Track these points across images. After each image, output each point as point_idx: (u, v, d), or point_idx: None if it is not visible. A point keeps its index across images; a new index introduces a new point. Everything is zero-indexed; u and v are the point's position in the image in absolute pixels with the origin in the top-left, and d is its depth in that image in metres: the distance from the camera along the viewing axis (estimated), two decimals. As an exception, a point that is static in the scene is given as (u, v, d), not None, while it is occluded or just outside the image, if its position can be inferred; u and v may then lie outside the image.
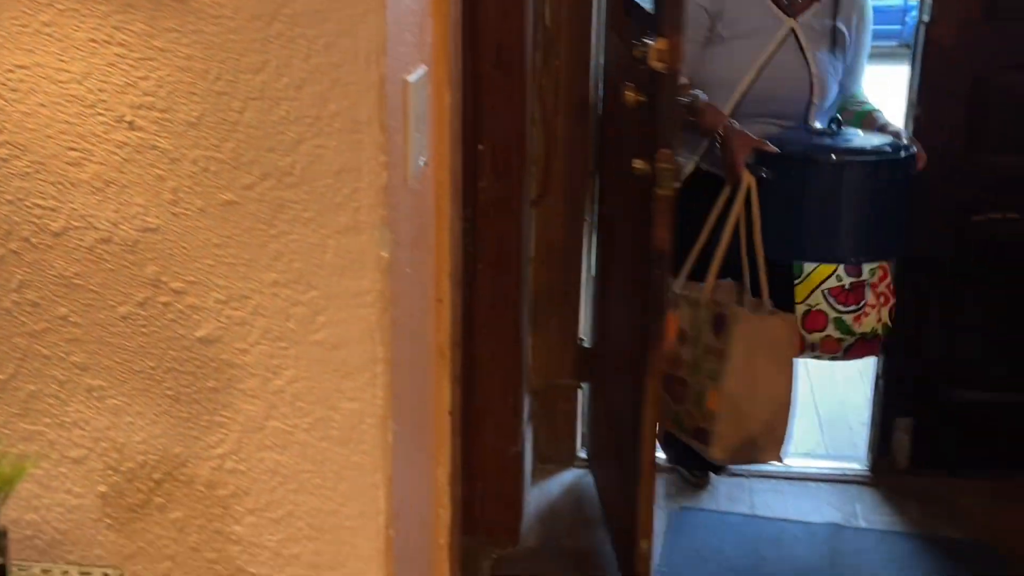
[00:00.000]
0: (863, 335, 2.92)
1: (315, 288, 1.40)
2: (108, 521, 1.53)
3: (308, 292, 1.41)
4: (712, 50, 2.80)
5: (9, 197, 1.40)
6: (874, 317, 2.91)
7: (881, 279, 2.93)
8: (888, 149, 2.66)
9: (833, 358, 2.98)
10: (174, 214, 1.39)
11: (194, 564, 1.53)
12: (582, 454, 3.21)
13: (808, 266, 2.91)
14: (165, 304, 1.43)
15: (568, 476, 3.14)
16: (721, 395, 2.69)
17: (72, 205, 1.40)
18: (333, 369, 1.43)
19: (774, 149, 2.65)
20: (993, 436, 3.15)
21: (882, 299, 2.92)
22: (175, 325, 1.43)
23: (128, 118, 1.36)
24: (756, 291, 2.76)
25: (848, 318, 2.90)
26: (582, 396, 3.20)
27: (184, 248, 1.40)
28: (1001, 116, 2.99)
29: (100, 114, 1.36)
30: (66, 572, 1.49)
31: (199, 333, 1.43)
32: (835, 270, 2.92)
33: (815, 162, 2.62)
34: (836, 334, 2.91)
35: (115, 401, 1.47)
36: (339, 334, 1.42)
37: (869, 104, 2.96)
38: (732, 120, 2.73)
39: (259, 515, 1.51)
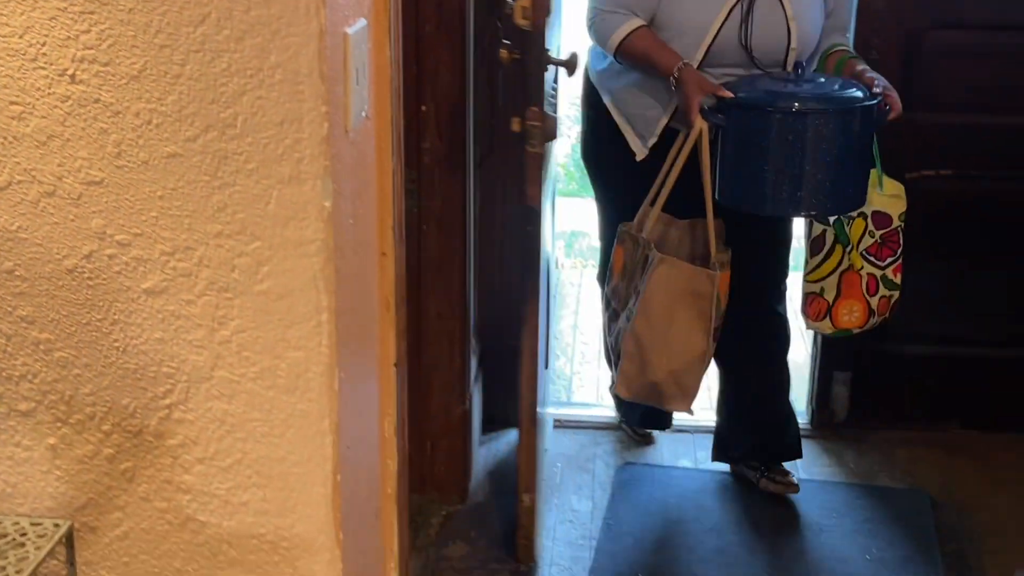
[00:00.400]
0: (901, 287, 2.80)
1: (259, 239, 1.43)
2: (58, 473, 1.55)
3: (252, 243, 1.43)
4: None
5: (-48, 151, 1.41)
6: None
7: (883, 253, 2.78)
8: (851, 97, 2.53)
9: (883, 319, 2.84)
10: (118, 167, 1.41)
11: (144, 514, 1.56)
12: (530, 413, 3.27)
13: (845, 228, 2.76)
14: (111, 257, 1.44)
15: (515, 435, 3.19)
16: (631, 335, 2.65)
17: (15, 159, 1.41)
18: (278, 318, 1.46)
19: (728, 94, 2.54)
20: (929, 389, 3.23)
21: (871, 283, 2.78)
22: (121, 277, 1.45)
23: (70, 71, 1.37)
24: (730, 241, 2.68)
25: (889, 272, 2.78)
26: (529, 356, 3.24)
27: (128, 201, 1.42)
28: (933, 74, 3.05)
29: (42, 68, 1.37)
30: (16, 523, 1.51)
31: (145, 285, 1.45)
32: (866, 227, 2.76)
33: (774, 110, 2.49)
34: (886, 292, 2.79)
35: (62, 354, 1.49)
36: (284, 284, 1.45)
37: (851, 51, 2.80)
38: (688, 63, 2.62)
39: (208, 464, 1.53)
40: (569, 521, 2.86)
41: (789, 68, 2.67)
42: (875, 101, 2.53)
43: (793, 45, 2.68)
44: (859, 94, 2.54)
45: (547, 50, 2.37)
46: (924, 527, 2.79)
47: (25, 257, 1.45)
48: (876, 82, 2.60)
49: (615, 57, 2.70)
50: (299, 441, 1.51)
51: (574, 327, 4.06)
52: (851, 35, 2.90)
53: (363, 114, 1.53)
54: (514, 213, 2.82)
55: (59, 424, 1.52)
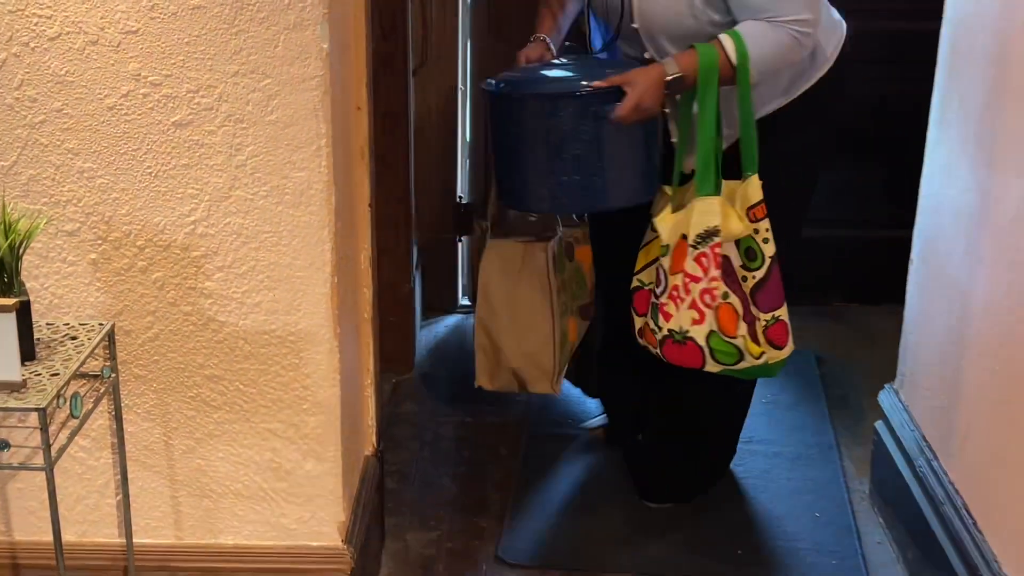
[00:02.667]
0: (671, 333, 2.32)
1: (269, 76, 1.75)
2: (98, 284, 1.85)
3: (263, 80, 1.75)
4: None
5: (10, 8, 1.70)
6: (687, 316, 2.29)
7: (702, 264, 2.27)
8: (562, 85, 2.27)
9: (657, 354, 2.40)
10: (152, 18, 1.71)
11: (172, 316, 1.88)
12: (464, 301, 3.61)
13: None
14: (144, 95, 1.75)
15: (452, 319, 3.54)
16: (478, 326, 2.63)
17: (65, 13, 1.71)
18: (286, 144, 1.78)
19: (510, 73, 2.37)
20: (815, 268, 3.62)
21: (704, 296, 2.29)
22: (153, 112, 1.76)
23: (112, -62, 1.68)
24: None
25: (658, 303, 2.36)
26: (462, 249, 3.59)
27: (160, 47, 1.73)
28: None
29: (88, -65, 1.67)
30: (68, 324, 1.81)
31: (174, 119, 1.77)
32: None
33: (496, 96, 2.30)
34: (651, 323, 2.35)
35: (103, 180, 1.79)
36: (290, 114, 1.77)
37: (717, 39, 2.22)
38: (540, 35, 2.47)
39: (226, 271, 1.85)
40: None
41: (647, 48, 2.35)
42: (588, 90, 2.22)
43: (635, 23, 2.33)
44: (571, 82, 2.26)
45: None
46: (811, 377, 3.21)
47: (72, 97, 1.75)
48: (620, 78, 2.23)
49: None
50: (304, 248, 1.84)
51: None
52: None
53: (347, -21, 1.86)
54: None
55: (99, 241, 1.83)
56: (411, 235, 3.17)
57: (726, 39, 2.21)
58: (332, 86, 1.78)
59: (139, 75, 1.74)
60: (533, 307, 2.59)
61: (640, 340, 2.41)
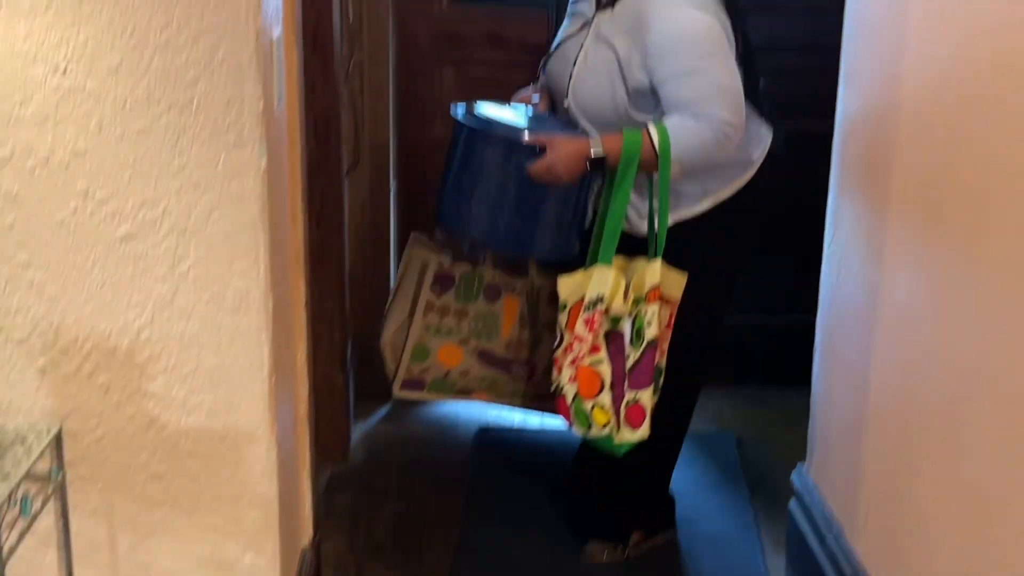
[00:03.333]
0: (558, 386, 2.51)
1: (210, 192, 1.87)
2: (46, 389, 1.95)
3: (205, 195, 1.87)
4: None
5: (-35, 132, 1.82)
6: (568, 371, 2.47)
7: (588, 324, 2.43)
8: (498, 128, 2.52)
9: None
10: (99, 140, 1.84)
11: (117, 418, 1.97)
12: (396, 391, 3.74)
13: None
14: (92, 211, 1.86)
15: (385, 408, 3.65)
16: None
17: (17, 137, 1.82)
18: (225, 254, 1.90)
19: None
20: (733, 353, 3.81)
21: (583, 359, 2.45)
22: (100, 227, 1.87)
23: (62, 67, 1.80)
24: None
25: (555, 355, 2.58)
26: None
27: (107, 166, 1.85)
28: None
29: (39, 65, 1.80)
30: (16, 428, 1.90)
31: (120, 232, 1.88)
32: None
33: (454, 121, 2.60)
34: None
35: (52, 290, 1.90)
36: (230, 226, 1.89)
37: (645, 127, 2.42)
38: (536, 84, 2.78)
39: (169, 374, 1.95)
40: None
41: (581, 123, 2.57)
42: (514, 137, 2.47)
43: (568, 95, 2.58)
44: (510, 128, 2.52)
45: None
46: (731, 458, 3.35)
47: (23, 214, 1.86)
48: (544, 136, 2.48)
49: None
50: (243, 351, 1.95)
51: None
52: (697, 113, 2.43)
53: (282, 100, 2.00)
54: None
55: (48, 348, 1.92)
56: (345, 329, 3.29)
57: (652, 128, 2.42)
58: (269, 200, 1.91)
59: (87, 192, 1.85)
60: (405, 297, 2.87)
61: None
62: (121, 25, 1.79)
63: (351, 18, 3.36)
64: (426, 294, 2.87)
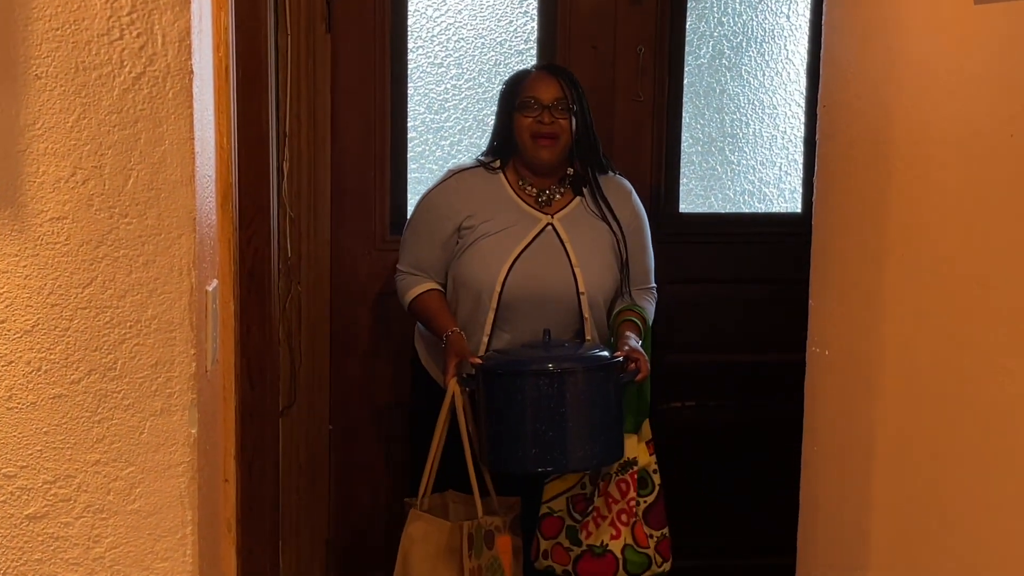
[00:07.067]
0: (591, 548, 2.84)
1: (132, 464, 1.67)
2: None
3: (127, 468, 1.67)
4: (466, 254, 2.90)
5: None
6: (607, 531, 2.82)
7: (621, 489, 2.82)
8: (597, 356, 2.73)
9: (565, 572, 2.89)
10: (8, 408, 1.64)
11: None
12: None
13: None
14: (-4, 488, 1.65)
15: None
16: None
17: (-87, 406, 1.62)
18: (148, 533, 1.68)
19: (477, 360, 2.75)
20: None
21: (622, 515, 2.83)
22: (5, 506, 1.65)
23: (-31, 330, 1.62)
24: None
25: (577, 526, 2.85)
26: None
27: (16, 437, 1.64)
28: (678, 320, 3.57)
29: (-57, 326, 1.61)
30: None
31: (27, 511, 1.66)
32: (581, 477, 2.86)
33: (515, 374, 2.69)
34: (565, 543, 2.87)
35: (-54, 580, 1.66)
36: (153, 503, 1.68)
37: (634, 314, 2.95)
38: (456, 330, 2.87)
39: (79, 674, 1.70)
40: None
41: (585, 313, 2.89)
42: (614, 361, 2.74)
43: (583, 289, 2.90)
44: (604, 354, 2.76)
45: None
46: None
47: (-85, 493, 1.63)
48: (626, 345, 2.81)
49: (409, 312, 3.05)
50: (165, 644, 1.71)
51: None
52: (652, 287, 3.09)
53: (216, 357, 1.82)
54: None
55: (-63, 648, 1.67)
56: (279, 587, 3.02)
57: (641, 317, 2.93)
58: (200, 471, 1.71)
59: (-8, 468, 1.64)
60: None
61: (543, 561, 2.89)
62: (39, 282, 1.62)
63: (289, 253, 3.24)
64: (467, 563, 2.75)
